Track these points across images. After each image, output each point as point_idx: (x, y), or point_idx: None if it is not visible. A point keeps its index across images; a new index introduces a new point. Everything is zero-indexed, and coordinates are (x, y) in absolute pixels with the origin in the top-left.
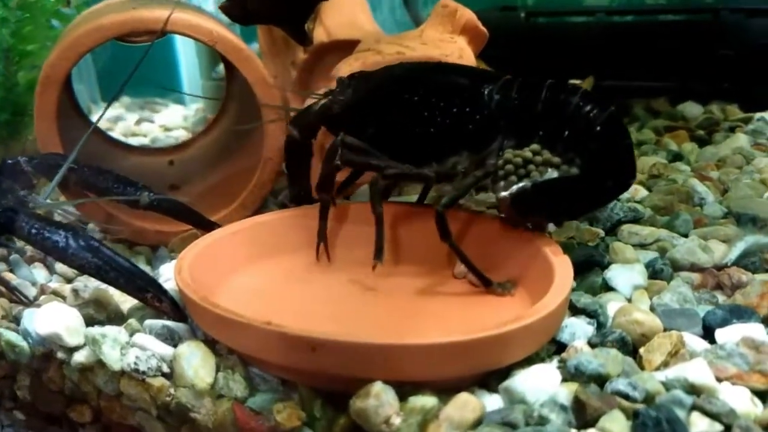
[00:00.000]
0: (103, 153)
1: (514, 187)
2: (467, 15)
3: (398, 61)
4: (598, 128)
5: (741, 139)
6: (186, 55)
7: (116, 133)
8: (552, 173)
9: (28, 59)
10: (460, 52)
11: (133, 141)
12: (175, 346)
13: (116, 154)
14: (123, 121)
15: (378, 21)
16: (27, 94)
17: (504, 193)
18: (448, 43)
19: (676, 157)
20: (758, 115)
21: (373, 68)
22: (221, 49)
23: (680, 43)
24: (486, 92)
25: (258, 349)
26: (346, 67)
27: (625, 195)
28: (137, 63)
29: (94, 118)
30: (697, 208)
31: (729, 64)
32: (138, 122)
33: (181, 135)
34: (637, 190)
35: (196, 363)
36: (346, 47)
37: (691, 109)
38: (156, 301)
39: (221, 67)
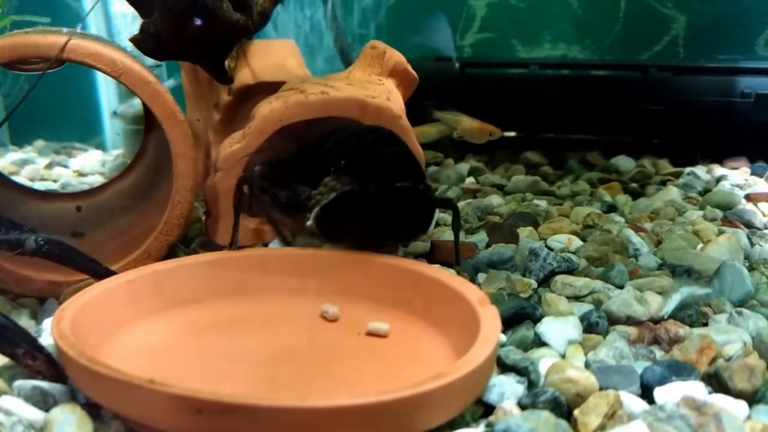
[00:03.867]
0: (1, 198)
1: (311, 215)
2: (396, 57)
3: (322, 100)
4: (363, 148)
5: (673, 192)
6: (108, 96)
7: (21, 178)
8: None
9: None
10: (388, 94)
11: (40, 186)
12: (47, 410)
13: (16, 199)
14: (32, 164)
15: (313, 70)
16: None
17: (309, 222)
18: (375, 84)
19: (611, 208)
20: (688, 169)
21: (295, 107)
22: (127, 82)
23: (611, 98)
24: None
25: (142, 413)
26: (266, 106)
27: (559, 245)
28: (28, 90)
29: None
30: (632, 259)
31: (657, 119)
32: (48, 166)
33: (96, 180)
34: (571, 240)
35: (69, 431)
36: (271, 89)
37: (624, 162)
38: (29, 358)
39: (123, 107)
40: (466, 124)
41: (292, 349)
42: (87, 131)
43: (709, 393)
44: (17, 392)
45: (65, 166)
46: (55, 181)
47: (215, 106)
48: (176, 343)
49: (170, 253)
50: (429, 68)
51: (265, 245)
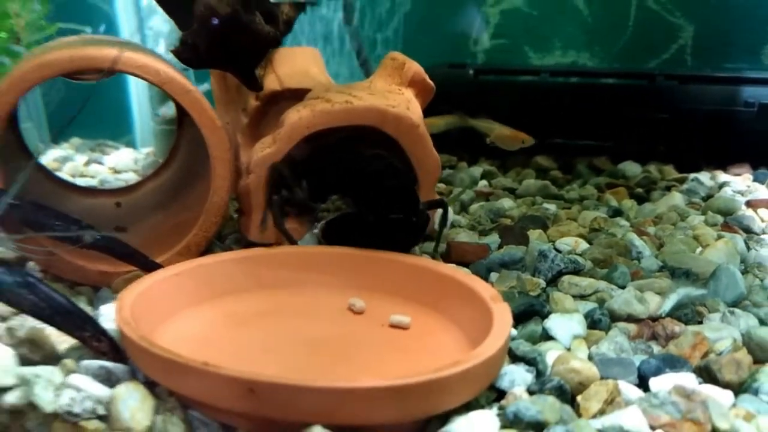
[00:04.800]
0: (48, 193)
1: (318, 225)
2: (414, 68)
3: (346, 109)
4: (368, 177)
5: (676, 198)
6: (138, 97)
7: (64, 174)
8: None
9: None
10: (407, 103)
11: (81, 182)
12: (112, 387)
13: (62, 195)
14: (72, 161)
15: (331, 73)
16: None
17: (316, 230)
18: (395, 94)
19: (616, 212)
20: (692, 175)
21: (321, 116)
22: (170, 91)
23: (619, 106)
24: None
25: (196, 392)
26: (294, 114)
27: (566, 247)
28: (84, 101)
29: (42, 159)
30: (634, 261)
31: (664, 126)
32: (87, 163)
33: (131, 178)
34: (578, 243)
35: (133, 405)
36: (297, 96)
37: (631, 168)
38: (94, 340)
39: (163, 109)
40: (499, 131)
41: (322, 338)
42: (118, 129)
43: (700, 383)
44: (85, 371)
45: (101, 163)
46: (93, 177)
47: (243, 110)
48: (218, 331)
49: (207, 248)
50: (443, 74)
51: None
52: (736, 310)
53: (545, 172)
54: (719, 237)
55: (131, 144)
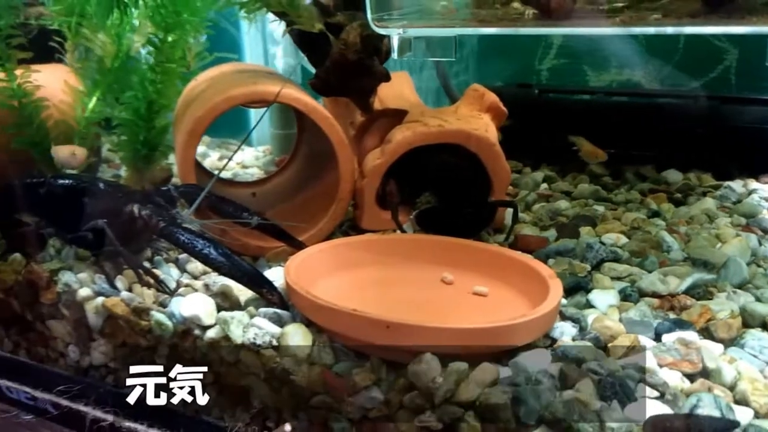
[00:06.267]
0: (204, 184)
1: (414, 213)
2: (492, 98)
3: (439, 131)
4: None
5: (709, 202)
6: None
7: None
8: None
9: (163, 109)
10: (486, 126)
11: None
12: (282, 326)
13: (213, 186)
14: (208, 157)
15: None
16: (159, 135)
17: (411, 217)
18: (476, 119)
19: (655, 214)
20: (726, 183)
21: (420, 136)
22: (313, 117)
23: (665, 121)
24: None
25: (346, 329)
26: (399, 134)
27: (610, 241)
28: (258, 121)
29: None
30: (664, 253)
31: (704, 140)
32: (220, 159)
33: (255, 172)
34: (619, 238)
35: (297, 339)
36: (394, 114)
37: (673, 175)
38: (268, 294)
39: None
40: (586, 147)
41: (423, 300)
42: (236, 129)
43: (700, 339)
44: (263, 315)
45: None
46: (227, 170)
47: (351, 123)
48: (347, 293)
49: (332, 233)
50: (512, 93)
51: (404, 231)
52: (739, 291)
53: (598, 178)
54: (737, 236)
55: (249, 143)
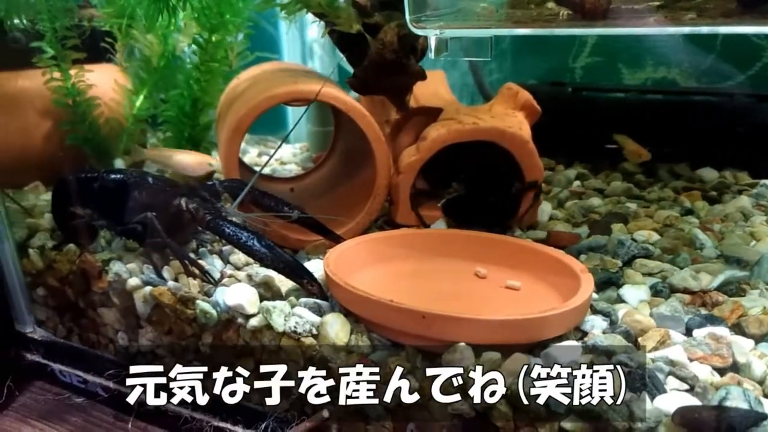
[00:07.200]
0: (245, 178)
1: (442, 202)
2: (526, 96)
3: (474, 129)
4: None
5: (744, 200)
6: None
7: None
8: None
9: (207, 107)
10: (520, 124)
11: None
12: (321, 316)
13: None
14: (248, 153)
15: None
16: (203, 132)
17: (439, 204)
18: (510, 117)
19: (688, 211)
20: (762, 181)
21: (455, 133)
22: (352, 115)
23: (701, 119)
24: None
25: (383, 319)
26: (434, 131)
27: (641, 238)
28: (299, 119)
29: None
30: (697, 250)
31: (741, 139)
32: (259, 155)
33: (293, 168)
34: (651, 235)
35: (336, 328)
36: (428, 112)
37: (708, 173)
38: (308, 285)
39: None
40: (630, 146)
41: (457, 292)
42: (274, 126)
43: (731, 334)
44: (303, 305)
45: (268, 156)
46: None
47: (386, 121)
48: (382, 285)
49: (368, 227)
50: (546, 91)
51: (427, 227)
52: None
53: (631, 175)
54: None
55: (287, 141)
